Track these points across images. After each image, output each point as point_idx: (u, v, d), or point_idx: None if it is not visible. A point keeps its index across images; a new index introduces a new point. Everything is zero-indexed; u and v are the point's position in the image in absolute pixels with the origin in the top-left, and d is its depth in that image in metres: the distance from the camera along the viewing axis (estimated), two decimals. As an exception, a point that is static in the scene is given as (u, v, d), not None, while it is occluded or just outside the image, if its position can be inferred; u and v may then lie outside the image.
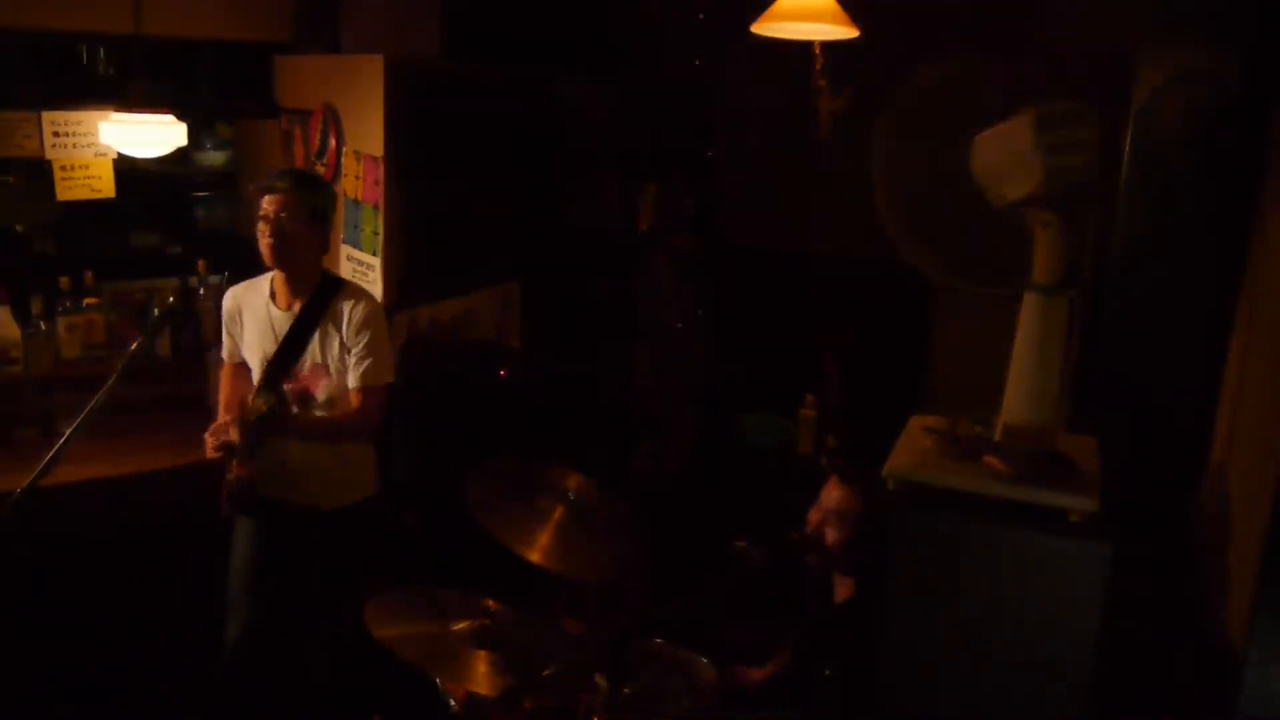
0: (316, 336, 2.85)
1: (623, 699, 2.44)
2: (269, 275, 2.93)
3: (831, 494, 2.54)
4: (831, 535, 2.51)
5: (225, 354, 3.06)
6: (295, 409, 2.85)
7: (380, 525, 3.10)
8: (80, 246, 3.76)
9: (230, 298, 3.00)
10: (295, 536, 2.95)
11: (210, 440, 2.79)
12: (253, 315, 2.93)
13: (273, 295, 2.91)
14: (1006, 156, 1.86)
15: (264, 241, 2.79)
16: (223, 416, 2.91)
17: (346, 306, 2.85)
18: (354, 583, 2.92)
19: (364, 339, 2.84)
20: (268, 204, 2.77)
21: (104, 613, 3.30)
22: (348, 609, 2.91)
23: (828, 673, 2.49)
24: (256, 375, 2.92)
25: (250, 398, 2.81)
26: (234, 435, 2.77)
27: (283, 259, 2.81)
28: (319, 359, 2.86)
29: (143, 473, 3.27)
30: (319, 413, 2.88)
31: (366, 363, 2.84)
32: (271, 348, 2.87)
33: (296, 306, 2.87)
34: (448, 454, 3.06)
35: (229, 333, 3.00)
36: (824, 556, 2.53)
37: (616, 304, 4.29)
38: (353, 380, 2.85)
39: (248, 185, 2.88)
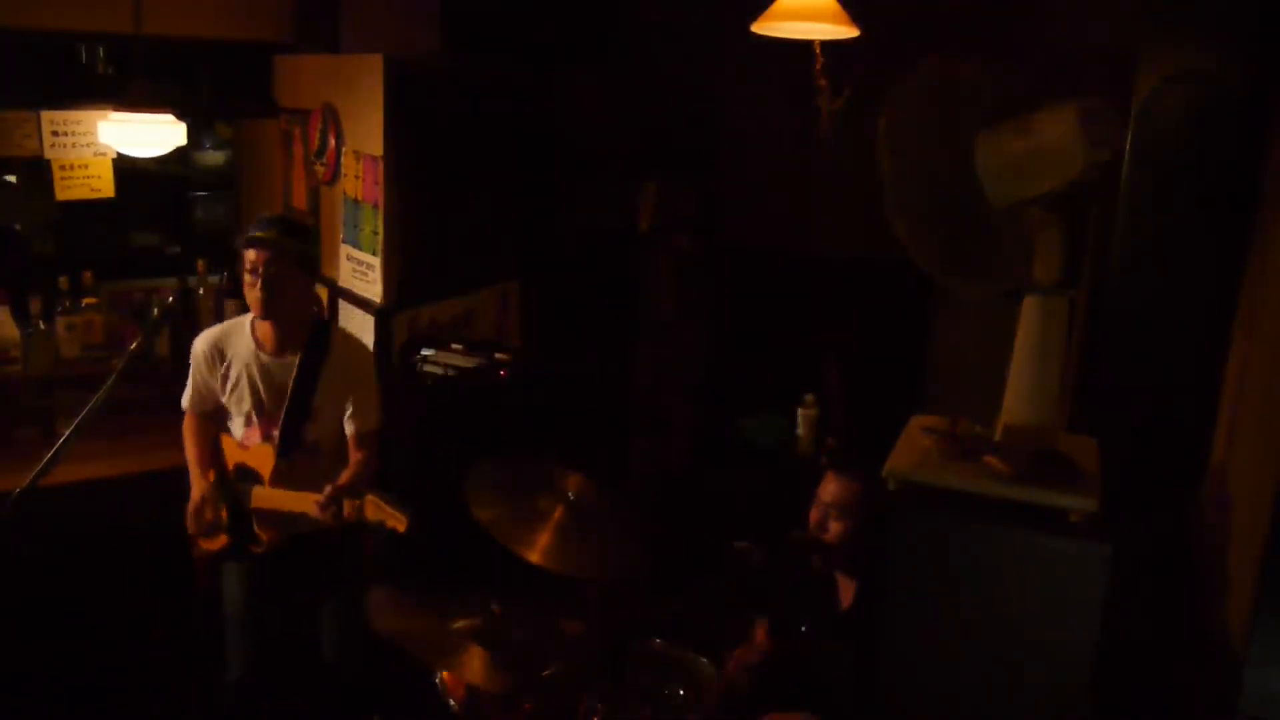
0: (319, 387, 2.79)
1: (623, 699, 2.44)
2: (246, 318, 2.83)
3: (829, 488, 2.54)
4: (834, 529, 2.51)
5: (189, 403, 2.87)
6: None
7: (358, 544, 3.05)
8: (80, 246, 3.77)
9: (205, 342, 2.83)
10: (284, 566, 2.91)
11: (194, 524, 2.78)
12: (239, 363, 2.80)
13: (258, 342, 2.80)
14: (1040, 149, 1.84)
15: (252, 294, 2.69)
16: (200, 484, 2.81)
17: (340, 355, 2.81)
18: (350, 585, 2.92)
19: (359, 387, 2.82)
20: (255, 256, 2.66)
21: (104, 613, 3.30)
22: (352, 611, 2.92)
23: (803, 629, 2.51)
24: (241, 422, 2.83)
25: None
26: (214, 515, 2.78)
27: (273, 311, 2.71)
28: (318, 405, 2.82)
29: (143, 472, 3.27)
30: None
31: (365, 410, 2.83)
32: (265, 397, 2.79)
33: (290, 356, 2.78)
34: (448, 454, 3.05)
35: (200, 380, 2.83)
36: (827, 554, 2.53)
37: (616, 304, 4.29)
38: (351, 427, 2.82)
39: (241, 229, 2.81)
